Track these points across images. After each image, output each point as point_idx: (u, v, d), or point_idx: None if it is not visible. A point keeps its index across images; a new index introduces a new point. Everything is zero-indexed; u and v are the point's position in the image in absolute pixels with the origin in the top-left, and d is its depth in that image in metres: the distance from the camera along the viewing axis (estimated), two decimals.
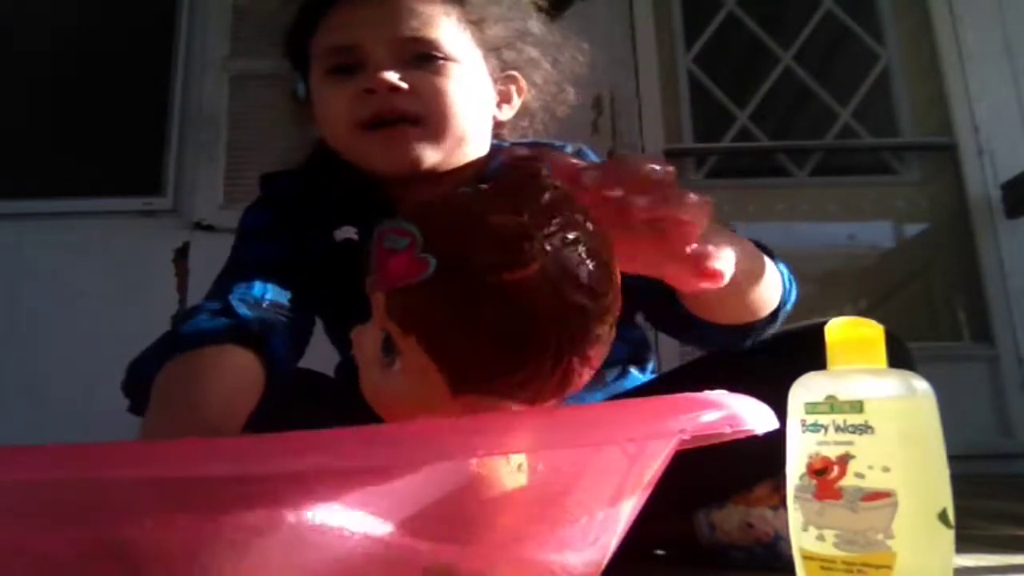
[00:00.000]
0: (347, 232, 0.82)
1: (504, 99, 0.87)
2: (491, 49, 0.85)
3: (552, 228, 0.39)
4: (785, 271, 0.70)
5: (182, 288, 2.29)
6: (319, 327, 0.88)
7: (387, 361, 0.41)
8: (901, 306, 2.57)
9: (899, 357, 0.56)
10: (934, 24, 2.63)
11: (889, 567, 0.45)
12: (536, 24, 0.88)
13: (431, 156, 0.78)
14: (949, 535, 0.46)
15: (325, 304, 0.86)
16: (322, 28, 0.81)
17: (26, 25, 2.62)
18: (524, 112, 0.90)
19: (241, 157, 2.42)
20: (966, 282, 2.51)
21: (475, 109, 0.82)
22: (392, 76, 0.75)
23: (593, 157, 0.89)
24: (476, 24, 0.83)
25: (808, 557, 0.48)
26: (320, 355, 0.87)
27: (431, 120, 0.77)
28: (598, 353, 0.41)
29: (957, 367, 2.34)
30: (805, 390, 0.50)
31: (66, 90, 2.56)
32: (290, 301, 0.77)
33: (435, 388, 0.39)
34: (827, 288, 2.61)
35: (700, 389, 0.41)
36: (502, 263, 0.37)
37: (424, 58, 0.78)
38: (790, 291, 0.70)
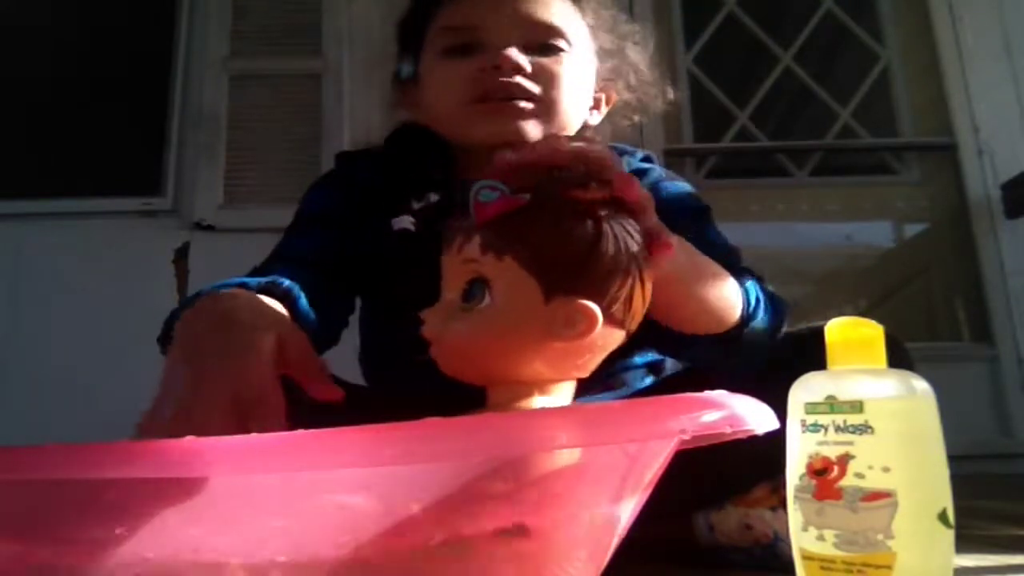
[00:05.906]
0: (404, 222, 0.82)
1: (596, 105, 0.90)
2: (597, 52, 0.88)
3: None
4: (753, 290, 0.68)
5: (182, 288, 2.28)
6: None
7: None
8: (901, 306, 2.57)
9: (898, 358, 0.56)
10: (934, 24, 2.62)
11: (889, 567, 0.45)
12: (632, 36, 0.93)
13: (534, 133, 0.80)
14: (949, 535, 0.46)
15: (373, 292, 0.86)
16: (442, 12, 0.84)
17: (26, 25, 2.62)
18: (620, 110, 0.93)
19: (241, 157, 2.41)
20: (966, 282, 2.51)
21: (581, 103, 0.85)
22: (519, 56, 0.78)
23: (656, 163, 0.93)
24: (590, 28, 0.87)
25: (808, 557, 0.48)
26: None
27: (544, 104, 0.80)
28: (646, 297, 0.51)
29: (957, 367, 2.34)
30: (805, 390, 0.50)
31: (66, 90, 2.56)
32: (317, 296, 0.76)
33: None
34: (827, 288, 2.61)
35: (701, 389, 0.41)
36: (581, 191, 0.48)
37: (546, 46, 0.81)
38: (756, 309, 0.67)
